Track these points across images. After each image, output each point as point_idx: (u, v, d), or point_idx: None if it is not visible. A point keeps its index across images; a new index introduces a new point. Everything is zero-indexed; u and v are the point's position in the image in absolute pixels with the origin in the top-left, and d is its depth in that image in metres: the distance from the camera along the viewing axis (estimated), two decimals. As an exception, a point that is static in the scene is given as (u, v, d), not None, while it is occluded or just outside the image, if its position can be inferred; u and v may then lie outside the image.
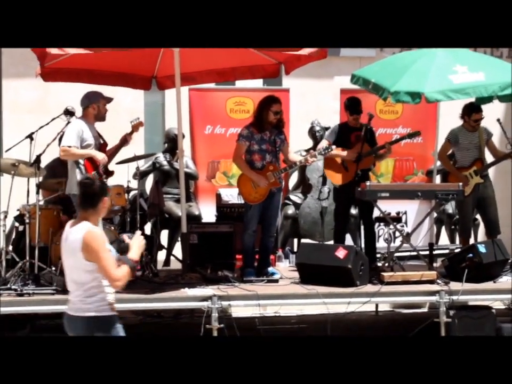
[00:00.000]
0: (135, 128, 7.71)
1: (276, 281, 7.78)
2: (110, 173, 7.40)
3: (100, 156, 7.16)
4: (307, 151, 9.72)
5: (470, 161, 8.51)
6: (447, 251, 9.18)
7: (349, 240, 9.12)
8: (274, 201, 7.95)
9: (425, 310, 9.15)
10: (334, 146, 8.29)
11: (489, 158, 8.72)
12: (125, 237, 5.07)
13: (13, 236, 8.21)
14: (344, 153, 8.27)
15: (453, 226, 9.97)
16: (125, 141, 7.64)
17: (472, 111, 8.48)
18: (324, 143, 8.41)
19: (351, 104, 8.38)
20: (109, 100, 7.42)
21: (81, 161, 7.14)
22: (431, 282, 7.56)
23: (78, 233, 4.80)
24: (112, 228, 7.94)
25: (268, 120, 7.88)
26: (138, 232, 5.05)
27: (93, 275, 4.82)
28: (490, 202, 8.54)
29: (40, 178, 7.75)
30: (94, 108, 7.31)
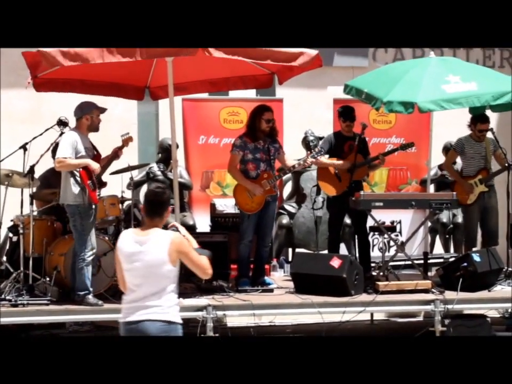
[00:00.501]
0: (125, 142, 7.68)
1: (271, 290, 7.77)
2: (102, 184, 7.39)
3: (95, 166, 7.16)
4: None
5: (475, 170, 8.52)
6: (441, 260, 9.17)
7: (343, 249, 9.12)
8: (269, 211, 7.96)
9: (420, 319, 9.14)
10: (327, 156, 8.31)
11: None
12: None
13: (7, 247, 8.19)
14: (338, 162, 8.27)
15: (447, 236, 9.99)
16: (115, 155, 7.61)
17: (477, 121, 8.49)
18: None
19: (344, 111, 8.38)
20: (103, 110, 7.40)
21: (76, 171, 7.13)
22: (426, 291, 7.58)
23: (160, 242, 4.77)
24: (106, 238, 7.92)
25: (261, 129, 7.89)
26: (176, 223, 5.05)
27: (172, 280, 4.84)
28: (493, 213, 8.56)
29: (34, 189, 7.73)
30: (88, 118, 7.28)
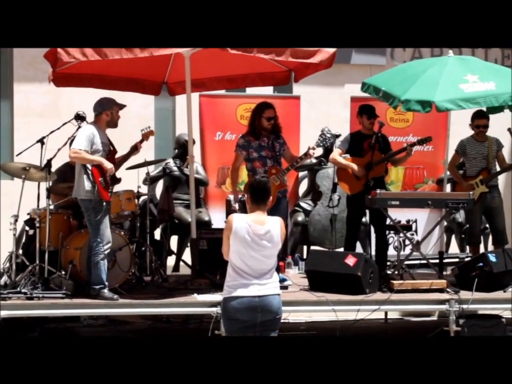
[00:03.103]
0: (145, 136, 7.69)
1: (285, 287, 7.75)
2: (117, 180, 7.40)
3: (108, 166, 7.15)
4: (317, 158, 9.72)
5: (477, 171, 8.58)
6: (457, 260, 9.15)
7: (358, 248, 9.09)
8: (280, 208, 7.89)
9: (434, 318, 9.13)
10: (347, 155, 8.30)
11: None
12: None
13: (23, 240, 8.22)
14: (353, 165, 8.23)
15: (463, 235, 9.97)
16: (135, 149, 7.62)
17: (474, 117, 8.57)
18: (335, 152, 8.42)
19: (368, 109, 8.34)
20: (122, 106, 7.42)
21: (89, 166, 7.14)
22: (440, 290, 7.55)
23: (276, 225, 5.37)
24: (122, 233, 7.95)
25: (263, 127, 7.86)
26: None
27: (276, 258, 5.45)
28: (497, 212, 8.62)
29: (51, 183, 7.76)
30: (108, 114, 7.30)
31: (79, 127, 7.69)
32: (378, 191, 7.76)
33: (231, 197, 9.41)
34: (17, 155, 7.98)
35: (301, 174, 10.07)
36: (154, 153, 11.62)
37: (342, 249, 8.77)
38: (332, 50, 7.49)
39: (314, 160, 9.63)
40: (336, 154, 8.41)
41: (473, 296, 7.33)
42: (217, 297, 7.02)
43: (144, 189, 8.75)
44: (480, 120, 8.56)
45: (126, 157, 7.61)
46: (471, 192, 7.98)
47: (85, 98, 8.22)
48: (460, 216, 9.84)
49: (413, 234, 9.42)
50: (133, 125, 9.80)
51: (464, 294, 7.40)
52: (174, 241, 9.45)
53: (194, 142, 8.33)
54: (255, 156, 7.87)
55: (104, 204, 7.17)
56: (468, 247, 9.89)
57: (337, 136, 9.73)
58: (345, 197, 8.68)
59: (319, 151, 9.94)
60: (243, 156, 7.90)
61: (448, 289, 7.54)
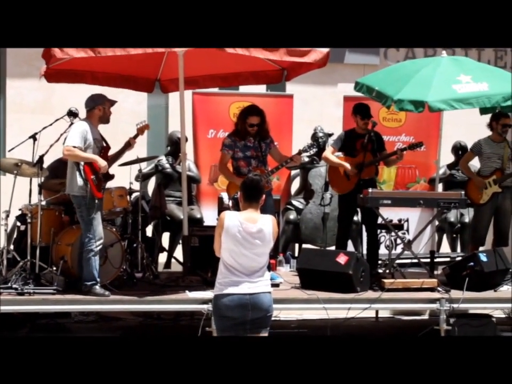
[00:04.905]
0: (140, 131, 7.68)
1: (277, 285, 7.76)
2: (110, 177, 7.39)
3: (102, 164, 7.14)
4: (309, 157, 9.73)
5: (491, 171, 8.55)
6: (448, 259, 9.18)
7: (350, 246, 9.11)
8: (267, 205, 7.88)
9: (425, 317, 9.15)
10: (340, 153, 8.31)
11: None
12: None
13: (15, 235, 8.22)
14: (345, 164, 8.23)
15: (454, 235, 10.00)
16: (128, 144, 7.61)
17: (500, 116, 8.51)
18: (328, 150, 8.45)
19: (362, 109, 8.31)
20: (113, 102, 7.42)
21: (81, 163, 7.13)
22: (431, 289, 7.57)
23: (268, 223, 5.40)
24: (114, 229, 7.94)
25: (246, 131, 7.88)
26: None
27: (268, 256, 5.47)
28: (505, 214, 8.59)
29: (43, 179, 7.75)
30: (100, 109, 7.30)
31: (72, 123, 7.69)
32: (370, 190, 7.77)
33: (224, 194, 9.44)
34: (9, 151, 7.97)
35: (293, 172, 10.08)
36: (147, 150, 11.62)
37: (333, 248, 8.78)
38: (325, 49, 7.50)
39: (306, 159, 9.66)
40: (328, 152, 8.42)
41: (464, 296, 7.34)
42: (208, 294, 7.01)
43: (136, 186, 8.75)
44: (507, 119, 8.50)
45: (119, 153, 7.61)
46: (462, 192, 8.01)
47: (78, 95, 8.20)
48: (452, 215, 9.88)
49: (404, 234, 9.41)
50: (126, 122, 9.79)
51: (455, 293, 7.42)
52: (165, 238, 9.45)
53: (186, 140, 8.32)
54: (240, 155, 7.88)
55: (97, 200, 7.17)
56: (459, 246, 9.94)
57: (330, 135, 9.74)
58: (337, 195, 8.70)
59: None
60: (229, 155, 7.92)
61: (439, 288, 7.56)
